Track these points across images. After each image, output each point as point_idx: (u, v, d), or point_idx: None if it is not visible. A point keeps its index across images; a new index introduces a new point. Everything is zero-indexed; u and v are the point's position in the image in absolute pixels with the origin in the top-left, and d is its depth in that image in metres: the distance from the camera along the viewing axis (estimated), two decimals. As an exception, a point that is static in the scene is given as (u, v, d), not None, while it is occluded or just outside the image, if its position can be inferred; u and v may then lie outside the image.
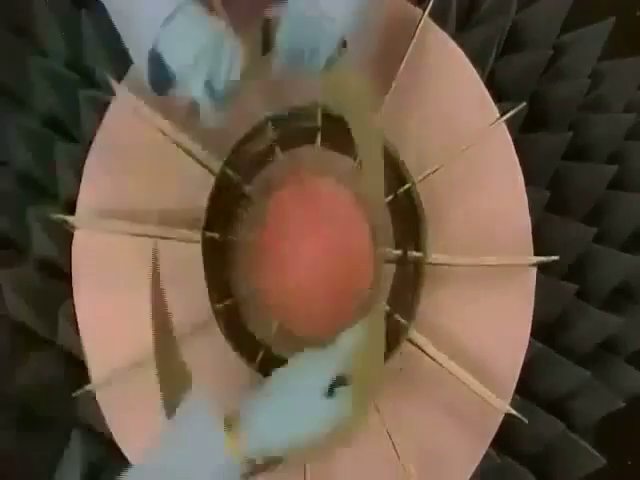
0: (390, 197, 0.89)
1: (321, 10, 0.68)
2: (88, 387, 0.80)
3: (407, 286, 0.88)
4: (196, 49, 0.63)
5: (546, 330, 1.09)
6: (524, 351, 0.90)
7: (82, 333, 0.82)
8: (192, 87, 0.65)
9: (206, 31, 0.64)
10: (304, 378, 0.61)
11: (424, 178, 0.88)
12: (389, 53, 0.89)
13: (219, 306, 0.81)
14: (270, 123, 0.86)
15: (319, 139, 0.89)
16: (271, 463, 0.61)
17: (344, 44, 0.72)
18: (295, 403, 0.60)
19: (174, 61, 0.65)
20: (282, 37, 0.69)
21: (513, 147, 0.93)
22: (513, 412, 0.85)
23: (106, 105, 0.86)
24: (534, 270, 0.91)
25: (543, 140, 1.17)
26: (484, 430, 0.87)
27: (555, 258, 0.89)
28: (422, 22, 0.90)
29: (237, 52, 0.66)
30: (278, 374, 0.63)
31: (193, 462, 0.57)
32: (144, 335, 0.80)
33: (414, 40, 0.89)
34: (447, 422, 0.86)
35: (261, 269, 0.87)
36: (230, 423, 0.59)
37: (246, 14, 0.76)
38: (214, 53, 0.64)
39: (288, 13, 0.69)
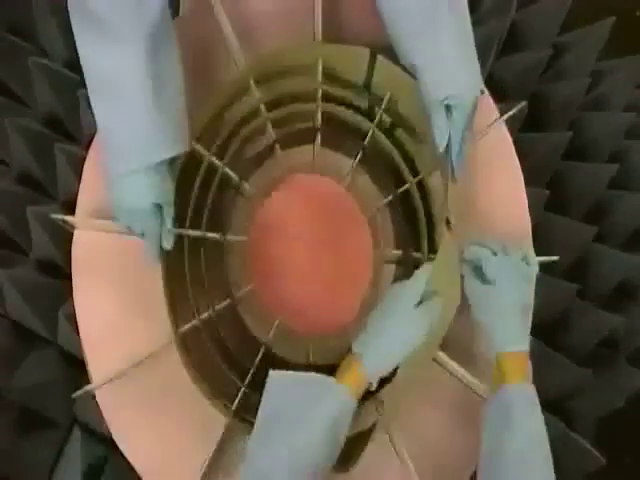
0: (389, 198, 0.89)
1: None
2: (88, 388, 0.80)
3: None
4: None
5: (546, 330, 1.09)
6: (524, 351, 0.90)
7: (82, 333, 0.82)
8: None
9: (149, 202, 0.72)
10: (397, 302, 0.73)
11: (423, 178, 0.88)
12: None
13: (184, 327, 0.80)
14: (270, 122, 0.86)
15: (319, 139, 0.89)
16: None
17: None
18: (396, 320, 0.72)
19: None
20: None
21: (513, 147, 0.93)
22: (513, 412, 0.85)
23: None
24: (534, 270, 0.91)
25: (543, 140, 1.17)
26: (484, 430, 0.87)
27: (555, 258, 0.89)
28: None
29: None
30: (372, 315, 0.74)
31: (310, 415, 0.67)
32: (144, 335, 0.81)
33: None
34: (448, 421, 0.86)
35: (260, 269, 0.87)
36: (347, 366, 0.71)
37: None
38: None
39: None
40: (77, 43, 0.69)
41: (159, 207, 0.74)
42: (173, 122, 0.72)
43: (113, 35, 0.66)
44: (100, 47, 0.67)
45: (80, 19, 0.67)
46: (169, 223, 0.75)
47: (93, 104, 0.70)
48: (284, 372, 0.71)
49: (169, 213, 0.75)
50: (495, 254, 0.76)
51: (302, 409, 0.68)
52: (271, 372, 0.71)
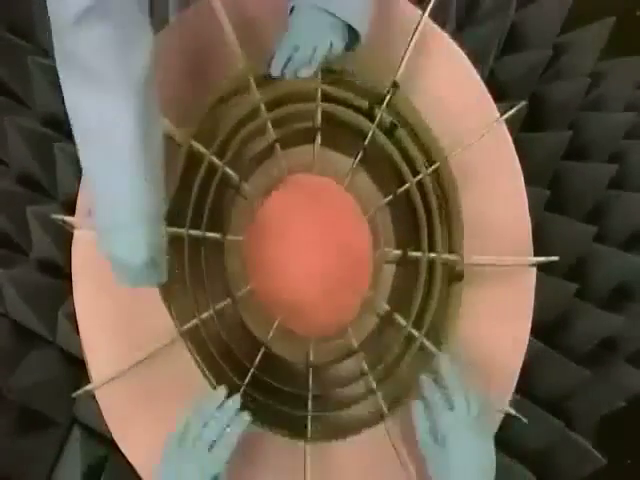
0: (389, 198, 0.89)
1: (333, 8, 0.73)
2: (88, 387, 0.80)
3: (407, 285, 0.88)
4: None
5: (546, 330, 1.10)
6: (524, 351, 0.90)
7: (82, 333, 0.82)
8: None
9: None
10: None
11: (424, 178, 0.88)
12: (389, 53, 0.89)
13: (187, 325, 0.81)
14: (270, 122, 0.86)
15: (319, 139, 0.89)
16: None
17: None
18: None
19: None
20: (292, 31, 0.74)
21: (513, 147, 0.93)
22: (513, 412, 0.86)
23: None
24: (534, 270, 0.91)
25: (543, 140, 1.17)
26: (484, 430, 0.87)
27: (555, 259, 0.89)
28: (422, 22, 0.90)
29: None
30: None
31: None
32: (144, 335, 0.80)
33: (414, 40, 0.89)
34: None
35: (260, 269, 0.87)
36: None
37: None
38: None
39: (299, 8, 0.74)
40: (63, 88, 0.66)
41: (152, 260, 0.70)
42: (159, 178, 0.70)
43: (101, 84, 0.63)
44: (88, 95, 0.64)
45: (67, 64, 0.64)
46: (164, 270, 0.73)
47: (80, 150, 0.67)
48: None
49: (162, 261, 0.72)
50: (451, 408, 0.71)
51: None
52: None
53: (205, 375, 0.78)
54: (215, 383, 0.79)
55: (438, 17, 0.94)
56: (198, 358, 0.79)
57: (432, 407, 0.73)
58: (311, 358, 0.86)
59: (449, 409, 0.72)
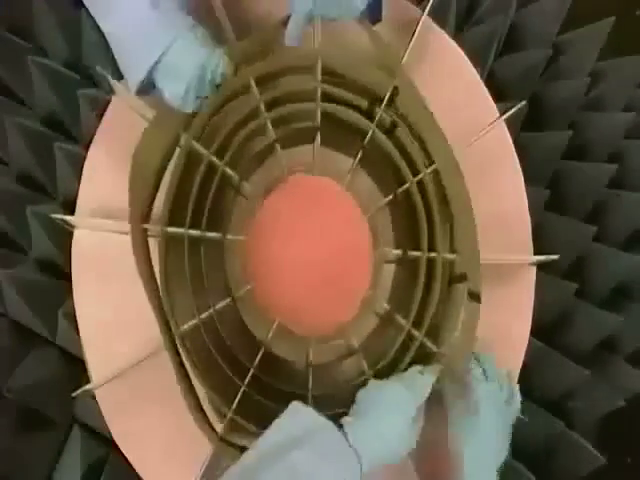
0: (389, 197, 0.89)
1: None
2: (88, 387, 0.80)
3: (407, 285, 0.88)
4: (186, 83, 0.71)
5: (546, 329, 1.10)
6: (524, 350, 0.90)
7: (82, 333, 0.82)
8: (183, 107, 0.74)
9: (195, 63, 0.71)
10: (398, 405, 0.71)
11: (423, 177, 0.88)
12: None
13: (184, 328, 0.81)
14: (269, 122, 0.86)
15: (318, 139, 0.89)
16: None
17: None
18: (392, 424, 0.70)
19: (167, 91, 0.72)
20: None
21: (513, 146, 0.93)
22: (513, 412, 0.85)
23: (106, 105, 0.86)
24: (534, 269, 0.91)
25: (543, 139, 1.17)
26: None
27: (555, 257, 0.89)
28: (422, 22, 0.90)
29: (221, 69, 0.73)
30: (366, 400, 0.72)
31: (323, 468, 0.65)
32: (144, 335, 0.81)
33: (414, 40, 0.89)
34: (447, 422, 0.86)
35: (260, 268, 0.87)
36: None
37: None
38: (202, 80, 0.72)
39: None
40: None
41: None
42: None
43: None
44: None
45: None
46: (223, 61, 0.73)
47: (97, 19, 0.73)
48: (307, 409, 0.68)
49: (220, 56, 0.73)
50: (486, 377, 0.76)
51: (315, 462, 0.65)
52: (293, 403, 0.68)
53: (195, 376, 0.78)
54: (210, 384, 0.79)
55: (438, 17, 0.94)
56: (194, 359, 0.78)
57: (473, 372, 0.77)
58: (311, 358, 0.86)
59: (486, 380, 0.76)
